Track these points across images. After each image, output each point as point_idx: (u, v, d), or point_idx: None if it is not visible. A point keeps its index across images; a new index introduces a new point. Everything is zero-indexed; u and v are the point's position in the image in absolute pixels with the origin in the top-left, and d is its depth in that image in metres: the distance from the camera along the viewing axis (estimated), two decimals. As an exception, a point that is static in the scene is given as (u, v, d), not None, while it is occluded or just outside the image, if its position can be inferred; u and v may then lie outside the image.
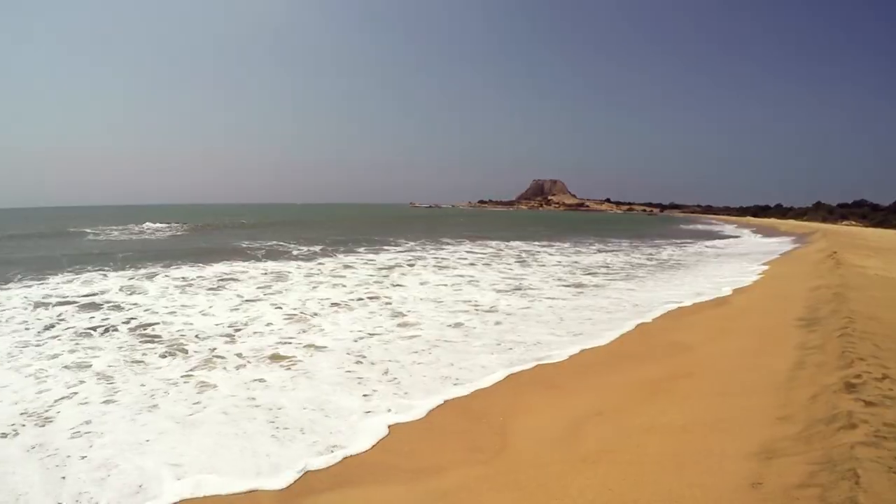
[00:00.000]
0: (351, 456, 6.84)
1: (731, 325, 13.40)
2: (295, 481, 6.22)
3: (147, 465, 6.55)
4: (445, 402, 8.62)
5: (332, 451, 6.91)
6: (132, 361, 10.82)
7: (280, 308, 16.08)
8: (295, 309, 15.83)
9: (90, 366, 10.50)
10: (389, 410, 8.30)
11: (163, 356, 11.24)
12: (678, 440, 6.69)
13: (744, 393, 8.27)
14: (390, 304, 16.85)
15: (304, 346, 11.97)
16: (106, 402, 8.67)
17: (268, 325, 13.97)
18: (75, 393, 9.06)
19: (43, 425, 7.77)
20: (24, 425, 7.76)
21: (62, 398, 8.82)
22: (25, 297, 17.28)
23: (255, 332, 13.18)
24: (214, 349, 11.71)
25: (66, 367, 10.43)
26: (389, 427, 7.68)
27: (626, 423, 7.42)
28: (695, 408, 7.83)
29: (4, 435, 7.45)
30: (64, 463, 6.64)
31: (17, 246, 38.89)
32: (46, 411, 8.27)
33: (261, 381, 9.65)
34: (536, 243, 40.61)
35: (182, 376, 9.93)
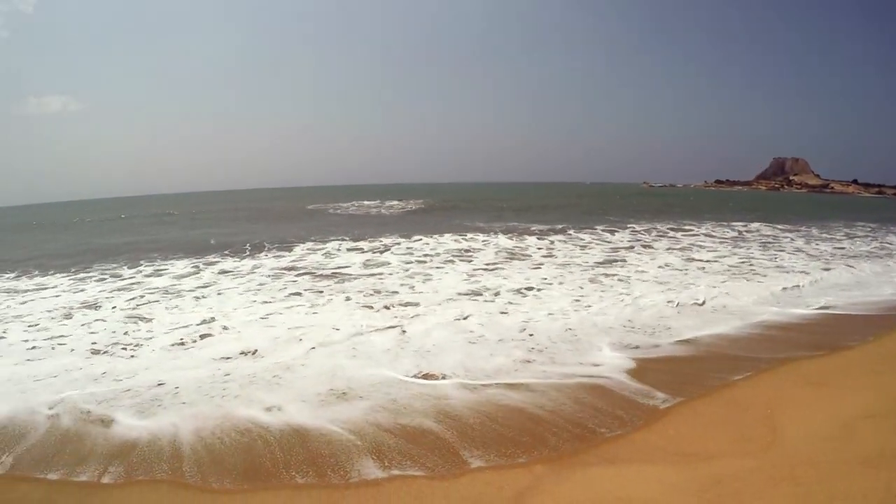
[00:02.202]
0: (618, 434, 7.04)
1: None
2: (565, 452, 6.60)
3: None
4: (707, 388, 8.52)
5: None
6: (352, 316, 13.07)
7: (506, 280, 17.09)
8: (520, 283, 16.59)
9: (315, 318, 13.05)
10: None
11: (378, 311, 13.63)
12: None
13: None
14: (616, 283, 16.75)
15: (518, 314, 12.97)
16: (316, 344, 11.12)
17: (490, 296, 15.02)
18: (294, 337, 11.54)
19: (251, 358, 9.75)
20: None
21: (279, 339, 11.49)
22: (272, 266, 20.49)
23: (470, 301, 14.34)
24: (423, 313, 13.35)
25: (294, 318, 13.01)
26: (658, 410, 7.80)
27: None
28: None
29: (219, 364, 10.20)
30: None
31: (263, 220, 42.54)
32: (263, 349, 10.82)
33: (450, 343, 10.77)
34: (779, 227, 37.93)
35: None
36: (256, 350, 10.68)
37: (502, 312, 13.10)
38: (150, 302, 14.95)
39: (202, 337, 11.69)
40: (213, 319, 12.87)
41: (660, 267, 19.65)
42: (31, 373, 9.79)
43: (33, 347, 11.33)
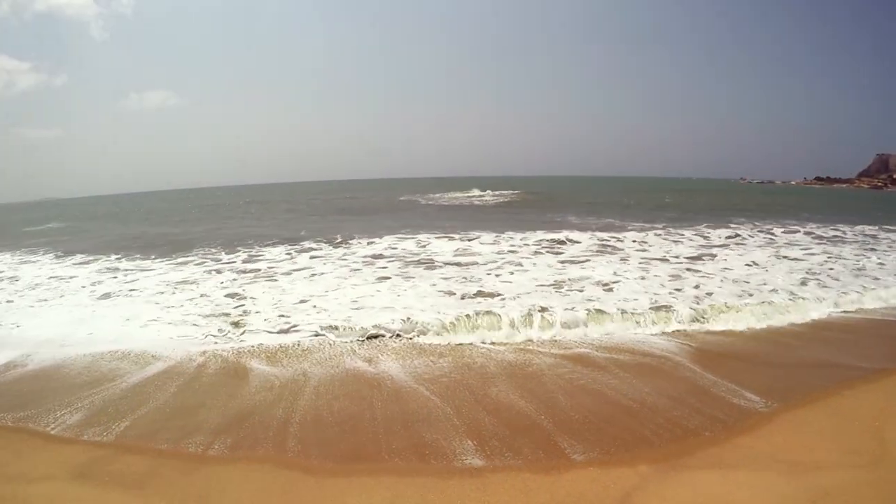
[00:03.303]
0: (722, 437, 7.02)
1: None
2: (669, 453, 6.63)
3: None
4: (810, 397, 8.32)
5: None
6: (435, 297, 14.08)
7: (592, 271, 17.22)
8: (606, 276, 16.56)
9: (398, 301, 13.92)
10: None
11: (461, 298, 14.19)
12: None
13: None
14: (693, 280, 16.23)
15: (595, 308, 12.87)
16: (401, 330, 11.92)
17: (574, 285, 15.24)
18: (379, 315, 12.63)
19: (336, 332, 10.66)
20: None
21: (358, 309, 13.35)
22: (362, 253, 21.47)
23: (553, 293, 14.48)
24: (502, 300, 13.77)
25: (377, 299, 14.13)
26: (757, 413, 7.73)
27: None
28: None
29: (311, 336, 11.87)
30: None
31: (355, 210, 43.23)
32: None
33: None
34: (887, 227, 35.96)
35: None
36: (350, 318, 12.24)
37: (571, 308, 12.86)
38: (252, 282, 16.43)
39: (300, 312, 12.89)
40: (311, 297, 14.10)
41: (746, 265, 18.89)
42: (176, 333, 11.95)
43: (164, 308, 13.70)
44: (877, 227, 33.99)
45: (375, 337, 11.27)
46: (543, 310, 12.49)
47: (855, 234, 30.13)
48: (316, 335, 11.44)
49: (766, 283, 15.86)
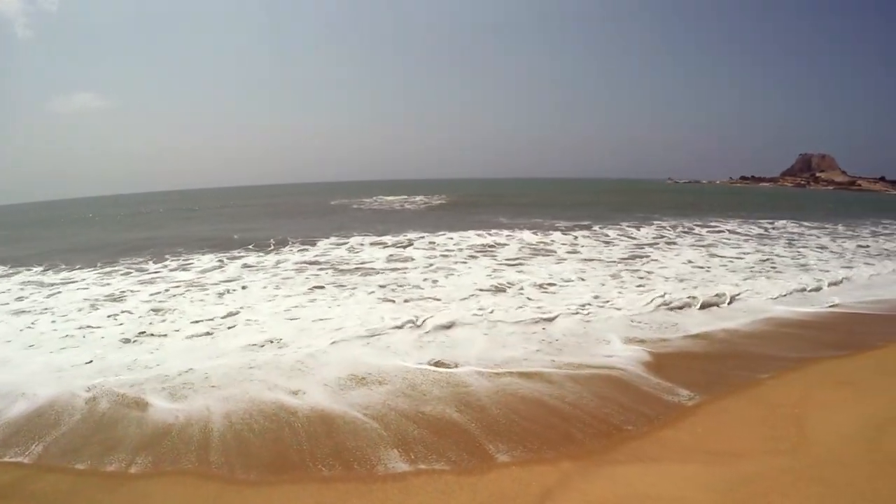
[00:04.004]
0: (646, 431, 7.12)
1: None
2: (593, 449, 6.67)
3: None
4: (733, 387, 8.54)
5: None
6: (371, 309, 13.40)
7: (529, 275, 17.11)
8: (543, 278, 16.62)
9: (337, 311, 13.22)
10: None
11: (398, 305, 13.71)
12: None
13: None
14: (640, 279, 16.74)
15: (540, 309, 12.97)
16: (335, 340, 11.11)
17: (513, 290, 15.11)
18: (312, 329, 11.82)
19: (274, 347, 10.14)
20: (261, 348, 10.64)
21: (302, 329, 11.84)
22: (296, 260, 20.74)
23: (492, 295, 14.54)
24: (444, 307, 13.35)
25: (318, 310, 13.33)
26: (682, 407, 7.87)
27: None
28: None
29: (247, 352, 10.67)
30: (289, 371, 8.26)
31: (288, 215, 43.02)
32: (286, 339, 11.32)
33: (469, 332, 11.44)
34: (805, 224, 37.52)
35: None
36: (281, 339, 11.09)
37: (519, 307, 13.17)
38: (175, 295, 15.22)
39: (228, 328, 12.04)
40: (238, 311, 13.17)
41: (682, 263, 19.54)
42: (66, 361, 10.14)
43: (66, 336, 11.72)
44: (796, 223, 35.45)
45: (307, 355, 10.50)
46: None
47: (779, 231, 31.33)
48: (246, 355, 10.32)
49: (713, 280, 16.45)
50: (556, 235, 27.59)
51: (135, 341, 11.27)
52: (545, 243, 24.55)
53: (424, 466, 6.29)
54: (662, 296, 13.78)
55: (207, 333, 11.68)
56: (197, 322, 12.49)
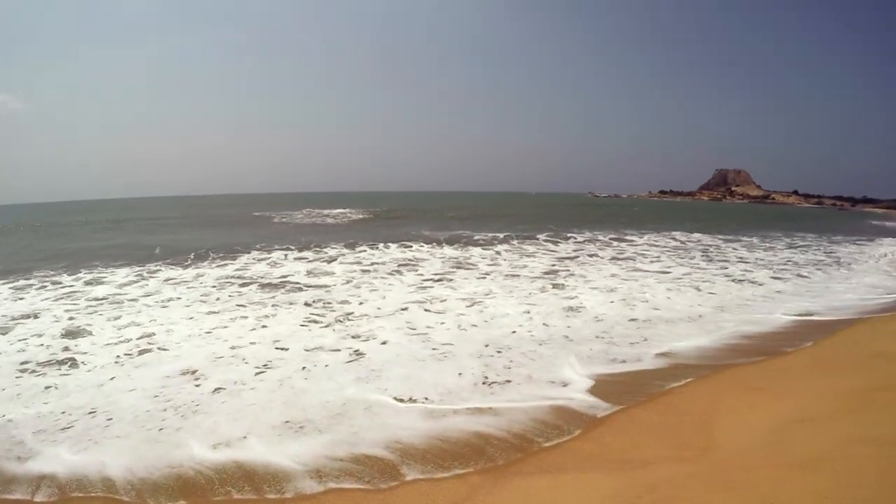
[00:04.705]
0: (553, 443, 7.11)
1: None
2: (502, 463, 6.60)
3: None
4: (646, 397, 8.63)
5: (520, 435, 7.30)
6: (301, 327, 12.97)
7: (454, 291, 17.03)
8: (469, 296, 16.45)
9: (261, 334, 12.47)
10: (579, 397, 8.55)
11: (327, 326, 13.03)
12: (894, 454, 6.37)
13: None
14: (563, 293, 16.95)
15: (468, 329, 12.78)
16: (263, 365, 10.35)
17: (438, 309, 14.75)
18: (239, 356, 10.86)
19: (193, 381, 9.53)
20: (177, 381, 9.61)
21: (224, 357, 10.83)
22: (216, 275, 19.99)
23: (421, 314, 14.17)
24: (376, 326, 13.01)
25: (241, 333, 12.51)
26: (592, 418, 7.89)
27: (836, 432, 7.08)
28: (911, 423, 7.32)
29: (158, 388, 9.27)
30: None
31: (208, 228, 42.28)
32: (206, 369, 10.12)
33: (410, 357, 10.77)
34: (721, 237, 38.81)
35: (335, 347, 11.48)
36: (198, 371, 9.89)
37: (442, 324, 13.14)
38: (88, 314, 14.18)
39: (141, 353, 10.95)
40: (153, 334, 12.22)
41: (606, 277, 19.97)
42: None
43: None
44: (711, 236, 36.76)
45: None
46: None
47: (694, 243, 32.50)
48: (159, 392, 8.91)
49: (643, 293, 16.93)
50: (478, 250, 28.01)
51: (34, 371, 10.02)
52: (466, 258, 24.79)
53: (334, 485, 6.15)
54: (596, 316, 14.00)
55: (118, 362, 10.44)
56: (110, 345, 11.50)
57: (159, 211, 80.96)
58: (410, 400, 8.61)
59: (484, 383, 9.30)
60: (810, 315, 14.32)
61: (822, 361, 10.52)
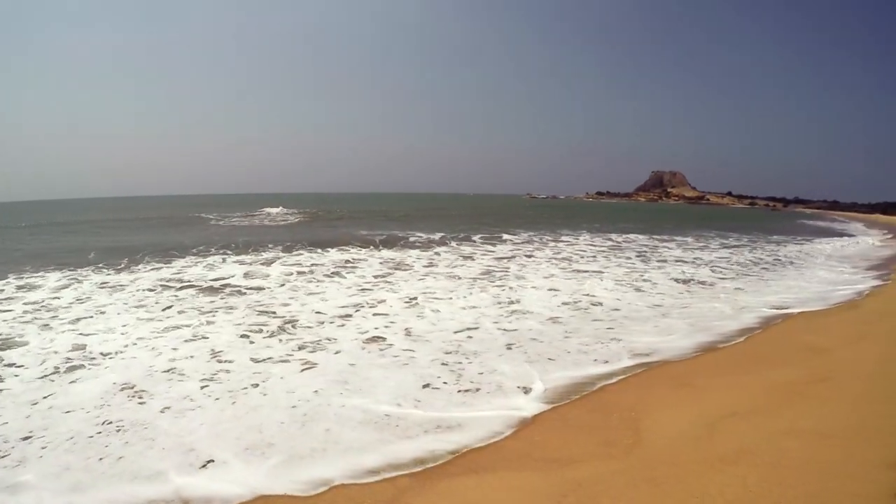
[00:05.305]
0: (484, 444, 7.06)
1: (868, 329, 12.70)
2: (429, 467, 6.47)
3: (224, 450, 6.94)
4: (573, 395, 8.66)
5: (454, 435, 7.24)
6: (242, 337, 12.11)
7: (395, 294, 16.76)
8: (409, 297, 16.32)
9: (202, 343, 11.65)
10: (515, 400, 8.52)
11: (272, 335, 12.29)
12: (819, 445, 6.53)
13: (885, 401, 8.01)
14: (503, 294, 16.98)
15: (415, 334, 12.46)
16: (208, 379, 9.48)
17: (382, 311, 14.56)
18: (181, 368, 10.00)
19: (136, 398, 8.62)
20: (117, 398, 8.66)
21: (167, 371, 9.88)
22: (151, 280, 19.13)
23: (365, 318, 13.83)
24: (322, 332, 12.49)
25: (180, 343, 11.63)
26: (517, 417, 7.84)
27: (763, 425, 7.24)
28: (835, 413, 7.57)
29: (97, 407, 8.25)
30: (149, 436, 7.25)
31: (143, 231, 41.43)
32: (146, 384, 9.21)
33: (356, 364, 10.29)
34: (656, 237, 39.70)
35: (284, 357, 10.75)
36: (137, 386, 9.00)
37: (387, 327, 12.98)
38: (18, 322, 13.18)
39: (73, 368, 9.91)
40: (84, 346, 11.23)
41: (544, 278, 20.22)
42: None
43: None
44: (647, 236, 37.65)
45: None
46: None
47: (630, 243, 33.28)
48: (97, 413, 7.88)
49: (589, 294, 17.09)
50: (416, 251, 28.02)
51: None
52: (403, 259, 24.74)
53: (262, 493, 5.97)
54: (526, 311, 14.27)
55: (50, 378, 9.42)
56: (42, 356, 10.58)
57: (98, 213, 78.55)
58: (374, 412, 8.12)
59: (439, 389, 9.04)
60: (748, 309, 14.88)
61: (752, 356, 10.82)
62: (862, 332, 12.45)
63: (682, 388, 8.92)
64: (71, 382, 9.27)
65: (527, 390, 8.87)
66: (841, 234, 54.40)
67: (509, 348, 11.30)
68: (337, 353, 10.97)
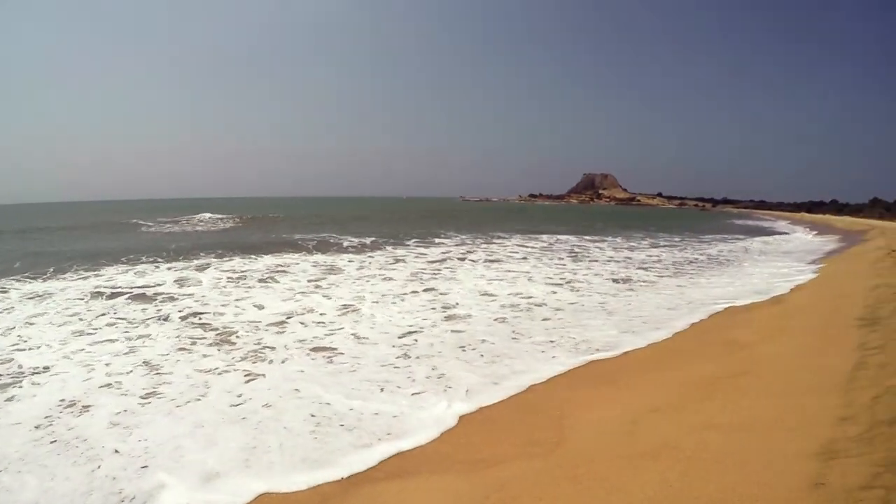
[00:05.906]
0: (410, 448, 7.05)
1: (788, 323, 13.12)
2: (352, 474, 6.41)
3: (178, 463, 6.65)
4: (501, 396, 8.74)
5: (387, 442, 7.18)
6: (180, 349, 11.44)
7: (330, 300, 16.52)
8: (345, 302, 16.15)
9: (138, 354, 11.08)
10: (443, 403, 8.50)
11: (211, 345, 11.84)
12: (738, 438, 6.66)
13: (804, 392, 8.15)
14: (439, 297, 17.09)
15: (354, 339, 12.32)
16: (150, 392, 8.99)
17: (319, 317, 14.33)
18: (120, 382, 9.44)
19: (79, 415, 8.11)
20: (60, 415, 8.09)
21: (105, 385, 9.30)
22: (80, 289, 18.11)
23: (303, 324, 13.57)
24: (261, 340, 12.15)
25: (115, 355, 11.01)
26: (443, 420, 7.88)
27: (685, 420, 7.39)
28: (754, 406, 7.76)
29: (40, 426, 7.68)
30: (98, 455, 6.82)
31: (72, 238, 40.15)
32: (88, 400, 8.66)
33: (304, 372, 10.05)
34: (587, 238, 40.44)
35: (226, 368, 10.30)
36: (79, 402, 8.46)
37: (328, 335, 12.82)
38: None
39: (3, 387, 9.17)
40: (10, 360, 10.55)
41: (478, 279, 20.52)
42: None
43: None
44: (578, 237, 38.32)
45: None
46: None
47: (562, 244, 33.82)
48: (39, 434, 7.28)
49: (521, 297, 17.23)
50: (348, 255, 28.10)
51: None
52: (336, 263, 24.60)
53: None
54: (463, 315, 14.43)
55: None
56: None
57: (24, 222, 76.17)
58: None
59: (376, 393, 8.94)
60: (675, 308, 15.37)
61: (677, 352, 11.13)
62: (782, 326, 12.85)
63: (608, 385, 9.08)
64: (6, 401, 8.64)
65: (455, 395, 8.87)
66: (770, 232, 56.09)
67: (462, 349, 11.51)
68: (284, 361, 10.67)
